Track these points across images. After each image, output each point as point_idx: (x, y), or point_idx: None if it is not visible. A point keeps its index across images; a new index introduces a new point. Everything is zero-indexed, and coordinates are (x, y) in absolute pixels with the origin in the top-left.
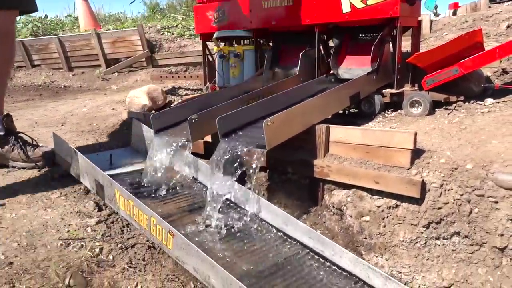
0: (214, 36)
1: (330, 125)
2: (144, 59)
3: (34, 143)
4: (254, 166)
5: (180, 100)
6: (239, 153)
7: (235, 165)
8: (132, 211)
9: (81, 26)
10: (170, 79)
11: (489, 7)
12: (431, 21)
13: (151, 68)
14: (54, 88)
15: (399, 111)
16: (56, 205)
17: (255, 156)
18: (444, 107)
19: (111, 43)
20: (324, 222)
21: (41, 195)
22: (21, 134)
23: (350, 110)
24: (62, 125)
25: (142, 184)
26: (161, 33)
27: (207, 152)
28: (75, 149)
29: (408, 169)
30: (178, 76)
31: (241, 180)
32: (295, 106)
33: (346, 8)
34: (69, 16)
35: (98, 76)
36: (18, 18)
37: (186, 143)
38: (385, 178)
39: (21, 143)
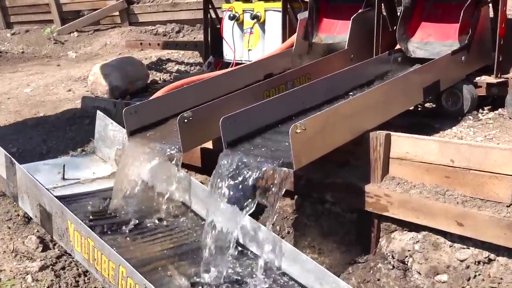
0: None
1: (391, 133)
2: (117, 13)
3: None
4: (275, 191)
5: (170, 81)
6: (252, 173)
7: (246, 190)
8: (92, 254)
9: None
10: (155, 47)
11: None
12: None
13: (128, 26)
14: None
15: (499, 110)
16: None
17: (277, 177)
18: None
19: None
20: (379, 280)
21: None
22: None
23: (425, 105)
24: None
25: (109, 212)
26: None
27: (206, 164)
28: (12, 158)
29: (509, 206)
30: (167, 44)
31: (255, 211)
32: (340, 103)
33: None
34: None
35: (49, 37)
36: None
37: (175, 152)
38: (473, 218)
39: None
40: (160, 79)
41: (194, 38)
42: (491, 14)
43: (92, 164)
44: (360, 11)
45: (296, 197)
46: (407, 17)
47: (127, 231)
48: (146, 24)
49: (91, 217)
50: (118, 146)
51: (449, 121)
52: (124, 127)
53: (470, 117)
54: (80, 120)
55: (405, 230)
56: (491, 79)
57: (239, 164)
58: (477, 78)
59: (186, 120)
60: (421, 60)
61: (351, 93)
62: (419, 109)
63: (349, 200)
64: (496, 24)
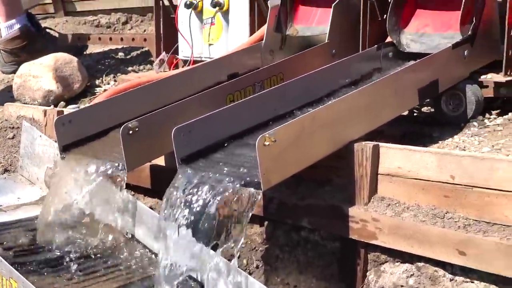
0: None
1: (380, 144)
2: (50, 1)
3: None
4: (240, 217)
5: (112, 84)
6: (210, 197)
7: (205, 217)
8: None
9: None
10: (95, 41)
11: None
12: None
13: (63, 17)
14: None
15: (510, 114)
16: None
17: (241, 201)
18: None
19: None
20: None
21: None
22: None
23: (422, 110)
24: None
25: (37, 246)
26: None
27: (157, 185)
28: None
29: None
30: (110, 38)
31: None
32: (319, 108)
33: None
34: None
35: None
36: None
37: (118, 171)
38: (477, 245)
39: None
40: (102, 82)
41: (145, 31)
42: None
43: (17, 186)
44: None
45: (266, 223)
46: (399, 4)
47: (60, 269)
48: (86, 13)
49: (14, 253)
50: (49, 165)
51: (450, 128)
52: (56, 141)
53: (475, 123)
54: (2, 133)
55: (397, 262)
56: (500, 78)
57: (196, 183)
58: (483, 77)
59: (131, 132)
60: (417, 55)
61: (332, 96)
62: (415, 114)
63: (330, 227)
64: (505, 10)
